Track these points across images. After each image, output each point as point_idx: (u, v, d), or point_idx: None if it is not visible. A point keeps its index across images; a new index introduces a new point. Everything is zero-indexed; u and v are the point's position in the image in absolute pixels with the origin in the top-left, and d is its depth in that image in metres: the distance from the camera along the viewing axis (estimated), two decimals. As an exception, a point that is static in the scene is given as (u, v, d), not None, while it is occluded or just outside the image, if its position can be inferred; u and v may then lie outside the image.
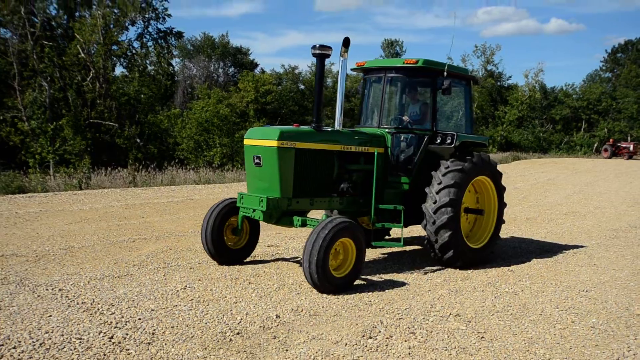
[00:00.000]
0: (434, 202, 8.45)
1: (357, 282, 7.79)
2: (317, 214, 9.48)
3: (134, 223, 11.65)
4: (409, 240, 10.69)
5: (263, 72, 55.18)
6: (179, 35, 41.32)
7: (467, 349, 5.41)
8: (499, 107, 59.30)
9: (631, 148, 51.42)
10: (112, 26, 31.96)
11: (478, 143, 9.47)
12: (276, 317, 6.14)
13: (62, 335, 5.33)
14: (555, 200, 19.38)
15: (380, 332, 5.78)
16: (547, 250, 10.53)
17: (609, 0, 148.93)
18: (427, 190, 8.60)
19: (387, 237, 10.43)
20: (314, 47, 7.74)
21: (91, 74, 31.02)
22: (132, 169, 20.02)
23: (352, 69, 9.79)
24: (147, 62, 38.57)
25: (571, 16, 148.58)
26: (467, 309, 6.67)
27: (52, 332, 5.41)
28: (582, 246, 10.95)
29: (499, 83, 61.88)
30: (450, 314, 6.43)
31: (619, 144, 53.04)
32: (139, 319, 5.90)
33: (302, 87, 54.75)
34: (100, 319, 5.83)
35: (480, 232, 9.47)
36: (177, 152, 37.34)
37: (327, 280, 6.98)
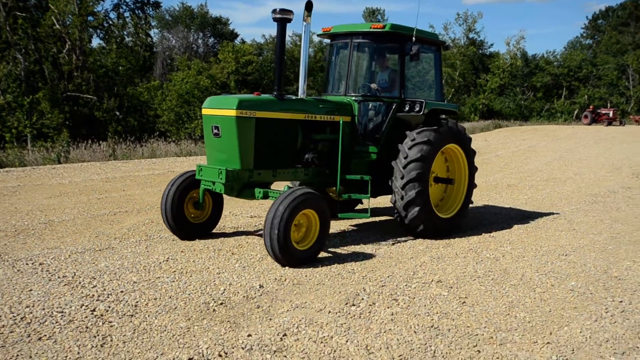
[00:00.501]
0: (402, 177, 8.24)
1: (339, 250, 7.83)
2: (282, 186, 9.38)
3: (115, 196, 11.54)
4: (378, 211, 10.68)
5: (243, 42, 54.52)
6: (157, 5, 40.56)
7: (449, 314, 5.47)
8: (480, 75, 59.33)
9: (611, 114, 51.95)
10: (87, -4, 31.23)
11: (447, 110, 9.27)
12: (259, 287, 6.15)
13: (44, 309, 5.29)
14: (536, 167, 19.57)
15: (363, 299, 5.82)
16: (528, 216, 10.65)
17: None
18: (393, 164, 8.39)
19: (358, 208, 10.25)
20: (274, 11, 7.43)
21: (67, 46, 30.38)
22: (112, 142, 19.78)
23: (317, 35, 9.55)
24: (125, 33, 37.84)
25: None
26: (449, 275, 6.73)
27: (33, 306, 5.36)
28: (561, 212, 11.08)
29: (480, 51, 61.83)
30: (432, 281, 6.49)
31: (598, 111, 53.54)
32: (121, 291, 5.88)
33: (285, 57, 54.20)
34: (82, 292, 5.79)
35: (451, 201, 9.32)
36: (157, 125, 36.92)
37: (289, 253, 6.80)
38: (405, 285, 6.31)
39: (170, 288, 6.04)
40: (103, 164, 16.81)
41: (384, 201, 11.31)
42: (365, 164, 8.75)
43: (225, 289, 6.06)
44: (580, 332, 5.07)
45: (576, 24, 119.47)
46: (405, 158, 8.23)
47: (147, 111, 36.92)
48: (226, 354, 4.53)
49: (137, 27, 38.13)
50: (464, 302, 5.79)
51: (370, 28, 8.70)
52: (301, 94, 8.18)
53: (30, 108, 27.79)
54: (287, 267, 6.93)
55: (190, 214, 8.20)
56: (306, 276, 6.62)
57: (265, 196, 7.58)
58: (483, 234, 9.03)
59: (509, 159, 22.36)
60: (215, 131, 7.50)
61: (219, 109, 7.47)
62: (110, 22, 35.80)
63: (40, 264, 6.74)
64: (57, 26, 29.77)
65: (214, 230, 8.62)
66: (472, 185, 9.35)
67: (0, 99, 27.62)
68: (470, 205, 10.47)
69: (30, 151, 18.99)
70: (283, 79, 7.97)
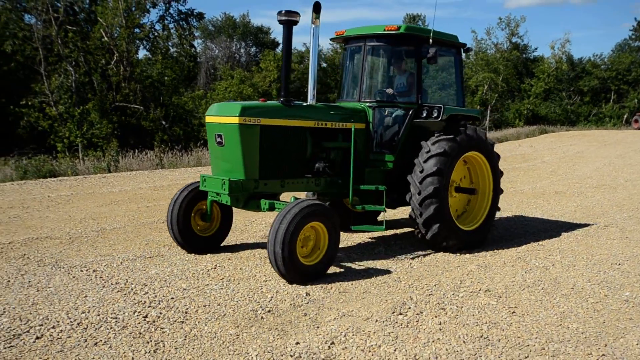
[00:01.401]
0: (421, 171, 7.81)
1: (384, 259, 7.81)
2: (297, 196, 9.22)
3: (163, 204, 11.79)
4: (403, 222, 10.24)
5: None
6: (200, 16, 41.29)
7: (498, 323, 5.40)
8: (525, 79, 58.23)
9: (662, 118, 50.20)
10: (133, 9, 32.05)
11: (468, 116, 8.83)
12: (306, 295, 6.20)
13: (99, 315, 5.45)
14: (585, 173, 19.09)
15: (410, 308, 5.79)
16: (578, 223, 10.40)
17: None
18: (409, 178, 7.97)
19: (378, 218, 9.73)
20: (279, 13, 7.11)
21: (115, 58, 31.17)
22: (158, 150, 20.21)
23: (331, 39, 9.20)
24: (170, 44, 38.66)
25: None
26: (497, 284, 6.64)
27: (88, 311, 5.54)
28: (613, 220, 10.78)
29: (524, 55, 60.70)
30: (480, 290, 6.41)
31: (649, 115, 51.80)
32: (172, 298, 6.01)
33: (325, 64, 54.42)
34: (134, 299, 5.94)
35: (475, 212, 8.82)
36: (202, 133, 37.51)
37: (295, 269, 6.43)
38: (453, 294, 6.26)
39: (218, 295, 6.14)
40: (151, 173, 17.21)
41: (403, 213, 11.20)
42: (380, 173, 8.32)
43: (272, 297, 6.12)
44: (637, 344, 4.93)
45: (623, 26, 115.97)
46: (421, 172, 7.83)
47: (192, 120, 37.60)
48: (275, 361, 4.58)
49: (181, 38, 38.91)
50: (514, 312, 5.70)
51: (384, 30, 8.28)
52: (310, 100, 7.82)
53: (81, 118, 28.63)
54: (332, 276, 6.96)
55: (198, 226, 7.90)
56: (352, 284, 6.63)
57: (272, 208, 7.20)
58: (531, 242, 8.86)
59: (556, 165, 21.88)
60: (219, 140, 7.19)
61: (222, 117, 7.13)
62: (156, 34, 36.62)
63: (94, 270, 6.95)
64: (106, 38, 30.62)
65: (253, 240, 8.71)
66: (497, 193, 8.86)
67: (52, 110, 28.56)
68: (499, 214, 10.19)
69: (81, 160, 19.57)
70: (289, 84, 7.65)
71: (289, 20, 7.16)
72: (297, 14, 7.16)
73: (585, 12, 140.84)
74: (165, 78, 34.66)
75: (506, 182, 16.36)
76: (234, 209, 8.05)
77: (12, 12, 31.88)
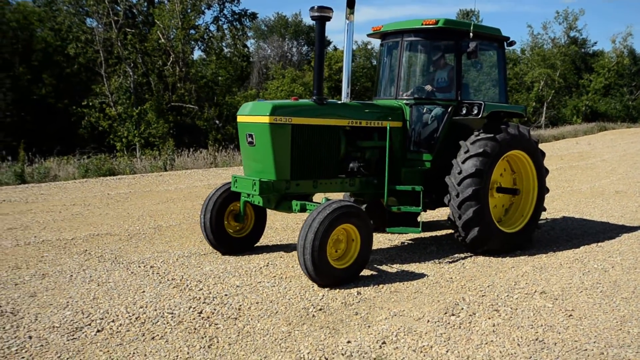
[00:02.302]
0: (459, 173, 7.54)
1: (436, 258, 7.74)
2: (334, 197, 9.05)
3: (217, 202, 12.01)
4: (437, 225, 9.99)
5: (335, 49, 54.99)
6: (253, 16, 41.73)
7: (555, 327, 5.27)
8: (583, 75, 56.39)
9: None
10: (189, 10, 32.74)
11: (511, 113, 8.55)
12: (357, 294, 6.21)
13: (156, 310, 5.62)
14: (647, 172, 18.36)
15: (462, 309, 5.73)
16: (639, 224, 10.02)
17: None
18: (447, 180, 7.72)
19: (418, 220, 9.17)
20: (312, 8, 6.91)
21: (171, 59, 31.95)
22: (212, 149, 20.60)
23: (368, 35, 8.95)
24: (224, 44, 39.32)
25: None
26: (553, 286, 6.48)
27: (146, 306, 5.72)
28: (678, 220, 10.34)
29: (583, 50, 58.79)
30: (535, 291, 6.27)
31: None
32: (226, 294, 6.13)
33: (375, 62, 54.21)
34: (190, 295, 6.10)
35: (518, 213, 8.45)
36: (254, 132, 37.96)
37: (325, 272, 6.27)
38: (507, 295, 6.15)
39: (271, 292, 6.23)
40: (205, 171, 17.57)
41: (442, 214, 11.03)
42: (418, 173, 8.02)
43: (323, 295, 6.17)
44: (702, 351, 4.73)
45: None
46: (460, 173, 7.55)
47: (245, 119, 38.09)
48: (327, 359, 4.62)
49: (234, 38, 39.49)
50: (571, 315, 5.55)
51: (422, 24, 8.01)
52: (344, 98, 7.64)
53: (139, 118, 29.51)
54: (384, 275, 6.95)
55: (231, 227, 7.85)
56: (403, 284, 6.60)
57: (303, 209, 7.04)
58: (590, 243, 8.59)
59: (616, 163, 21.12)
60: (250, 139, 7.06)
61: (253, 116, 7.00)
62: (210, 35, 37.28)
63: (151, 266, 7.17)
64: (162, 40, 31.43)
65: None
66: (543, 193, 8.46)
67: (112, 111, 29.54)
68: (544, 215, 9.81)
69: (139, 159, 20.16)
70: (323, 82, 7.44)
71: (321, 17, 7.01)
72: (330, 9, 7.01)
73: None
74: (219, 78, 35.32)
75: (563, 181, 15.94)
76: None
77: (76, 16, 33.08)
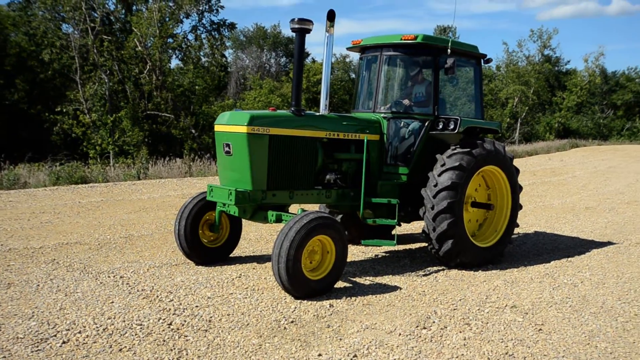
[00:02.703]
0: (435, 185, 7.60)
1: (409, 272, 7.76)
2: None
3: (190, 212, 11.90)
4: (411, 238, 9.98)
5: (314, 61, 55.25)
6: (232, 26, 41.75)
7: (524, 341, 5.31)
8: (556, 92, 57.45)
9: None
10: (167, 19, 32.64)
11: (487, 129, 8.63)
12: (330, 306, 6.18)
13: (124, 321, 5.52)
14: (617, 189, 18.70)
15: (434, 322, 5.73)
16: (608, 240, 10.18)
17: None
18: (423, 192, 7.78)
19: (393, 233, 9.30)
20: (292, 20, 6.95)
21: (148, 67, 31.77)
22: (188, 159, 20.45)
23: (347, 49, 9.00)
24: (201, 54, 39.22)
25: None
26: (523, 300, 6.53)
27: (114, 317, 5.61)
28: (645, 237, 10.53)
29: (556, 68, 59.93)
30: (506, 305, 6.32)
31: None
32: (196, 306, 6.05)
33: (353, 75, 54.56)
34: (160, 306, 6.00)
35: (492, 228, 8.50)
36: (230, 142, 37.81)
37: (299, 282, 6.23)
38: (478, 309, 6.18)
39: (242, 304, 6.17)
40: (179, 181, 17.42)
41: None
42: (394, 186, 8.07)
43: (296, 307, 6.13)
44: (667, 366, 4.80)
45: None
46: (435, 186, 7.61)
47: (221, 129, 37.95)
48: (297, 372, 4.58)
49: (213, 47, 39.41)
50: (540, 330, 5.59)
51: (401, 39, 8.06)
52: (323, 110, 7.66)
53: (113, 126, 29.23)
54: (356, 287, 6.93)
55: (206, 237, 7.80)
56: (376, 297, 6.59)
57: (279, 220, 6.99)
58: (560, 258, 8.70)
59: (587, 180, 21.49)
60: (227, 149, 7.03)
61: (231, 125, 6.98)
62: (188, 44, 37.16)
63: (121, 277, 7.05)
64: (140, 48, 31.24)
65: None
66: (516, 209, 8.54)
67: (86, 118, 29.19)
68: (528, 229, 9.97)
69: (112, 167, 19.92)
70: (301, 93, 7.50)
71: (302, 29, 7.03)
72: (310, 22, 7.04)
73: (620, 24, 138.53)
74: (196, 87, 35.18)
75: (535, 197, 16.15)
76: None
77: (51, 21, 32.72)
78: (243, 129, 6.82)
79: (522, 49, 56.46)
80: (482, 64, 8.97)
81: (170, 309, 5.91)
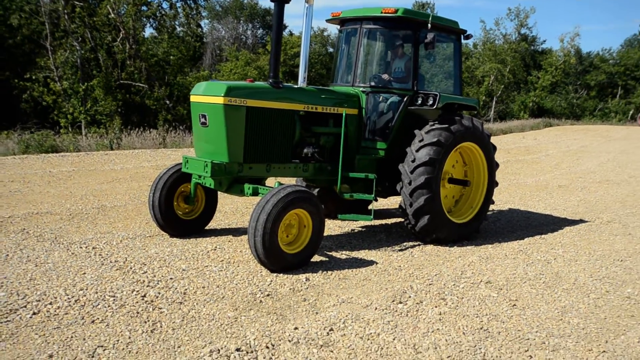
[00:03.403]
0: (413, 161, 7.59)
1: (385, 247, 7.77)
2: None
3: (165, 184, 11.73)
4: (387, 213, 9.99)
5: (291, 34, 54.62)
6: (208, -5, 41.00)
7: (499, 316, 5.36)
8: (532, 72, 57.88)
9: (668, 116, 49.98)
10: (141, -14, 31.82)
11: (465, 105, 8.61)
12: (306, 280, 6.16)
13: (96, 293, 5.42)
14: (588, 168, 18.99)
15: (410, 297, 5.75)
16: (580, 218, 10.33)
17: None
18: (400, 167, 7.75)
19: (369, 208, 9.28)
20: None
21: (121, 35, 30.98)
22: (162, 130, 20.12)
23: (327, 20, 8.84)
24: (176, 23, 38.41)
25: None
26: (498, 276, 6.59)
27: (86, 289, 5.50)
28: (616, 215, 10.70)
29: (532, 47, 60.26)
30: (481, 281, 6.37)
31: (655, 112, 51.57)
32: (171, 278, 5.97)
33: (331, 50, 54.14)
34: (133, 278, 5.91)
35: (467, 204, 8.56)
36: (205, 114, 37.31)
37: (276, 257, 6.21)
38: (453, 284, 6.21)
39: (218, 277, 6.10)
40: (153, 152, 17.14)
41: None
42: (371, 161, 8.05)
43: (272, 280, 6.09)
44: (638, 341, 4.88)
45: (634, 21, 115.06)
46: (413, 161, 7.60)
47: (196, 101, 37.43)
48: (273, 346, 4.55)
49: (188, 17, 38.61)
50: (515, 305, 5.65)
51: (381, 12, 7.94)
52: (301, 83, 7.52)
53: (85, 95, 28.54)
54: (333, 261, 6.92)
55: (181, 209, 7.66)
56: (352, 271, 6.59)
57: (255, 193, 6.94)
58: (534, 235, 8.80)
59: (560, 158, 21.77)
60: (203, 120, 6.88)
61: (207, 96, 6.82)
62: (163, 12, 36.32)
63: (93, 247, 6.92)
64: (112, 15, 30.42)
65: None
66: (492, 186, 8.58)
67: (57, 86, 28.45)
68: (502, 206, 10.06)
69: (84, 137, 19.51)
70: (280, 65, 7.32)
71: None
72: None
73: (595, 5, 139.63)
74: (171, 57, 34.50)
75: (510, 174, 16.31)
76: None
77: (19, -15, 31.63)
78: (219, 100, 6.67)
79: (500, 27, 56.57)
80: (462, 40, 8.89)
81: (144, 281, 5.82)
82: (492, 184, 8.61)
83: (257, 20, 56.95)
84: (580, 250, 7.94)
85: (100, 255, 6.64)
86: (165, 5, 36.57)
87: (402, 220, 9.30)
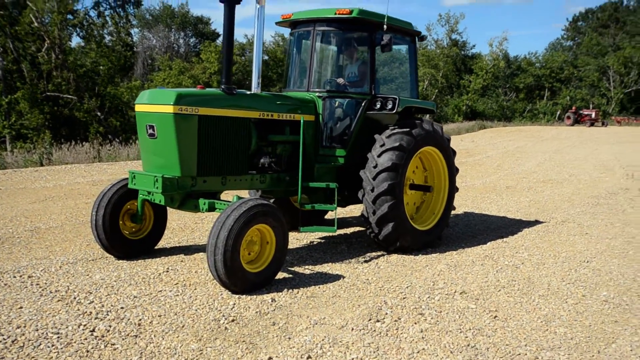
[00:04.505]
0: (374, 166, 7.25)
1: (348, 259, 7.37)
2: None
3: (103, 201, 10.92)
4: (350, 222, 9.64)
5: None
6: (138, 3, 39.71)
7: (483, 329, 5.04)
8: (463, 76, 59.34)
9: (593, 115, 52.35)
10: (67, -7, 30.37)
11: (424, 109, 8.38)
12: (272, 301, 5.67)
13: (37, 330, 4.75)
14: (529, 168, 19.33)
15: (386, 314, 5.36)
16: (535, 219, 10.29)
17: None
18: (362, 174, 7.40)
19: (326, 218, 8.91)
20: None
21: (46, 45, 29.47)
22: (96, 143, 19.07)
23: (276, 23, 8.40)
24: (105, 32, 37.00)
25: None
26: (470, 284, 6.31)
27: (24, 326, 4.82)
28: (568, 214, 10.75)
29: (463, 52, 61.85)
30: (455, 291, 6.06)
31: (581, 112, 53.90)
32: (122, 307, 5.35)
33: (266, 57, 53.67)
34: (78, 309, 5.25)
35: (429, 210, 8.28)
36: (139, 126, 36.05)
37: (238, 277, 5.70)
38: (428, 297, 5.88)
39: (174, 303, 5.53)
40: (88, 166, 16.15)
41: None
42: (331, 170, 7.70)
43: (234, 303, 5.57)
44: (631, 349, 4.67)
45: (555, 26, 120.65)
46: (375, 167, 7.27)
47: (129, 112, 36.11)
48: (248, 381, 4.05)
49: (117, 25, 37.29)
50: (496, 317, 5.36)
51: (335, 14, 7.57)
52: (255, 89, 7.07)
53: (9, 108, 26.91)
54: (297, 277, 6.46)
55: (127, 228, 7.04)
56: (319, 288, 6.15)
57: (211, 208, 6.43)
58: (495, 239, 8.63)
59: (500, 160, 22.12)
60: (151, 131, 6.29)
61: (154, 105, 6.25)
62: (90, 21, 34.90)
63: (29, 276, 6.17)
64: (36, 24, 28.90)
65: (205, 239, 8.07)
66: (453, 191, 8.37)
67: (-24, 99, 26.71)
68: (456, 210, 9.91)
69: (9, 153, 18.21)
70: (232, 70, 6.84)
71: None
72: None
73: (519, 11, 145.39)
74: (100, 67, 33.18)
75: (457, 177, 16.26)
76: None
77: None
78: (169, 109, 6.11)
79: (431, 32, 57.67)
80: (417, 41, 8.66)
81: (91, 313, 5.18)
82: (453, 189, 8.38)
83: (189, 29, 55.78)
84: (544, 252, 7.81)
85: (37, 284, 5.92)
86: (92, 13, 35.13)
87: (362, 229, 8.99)
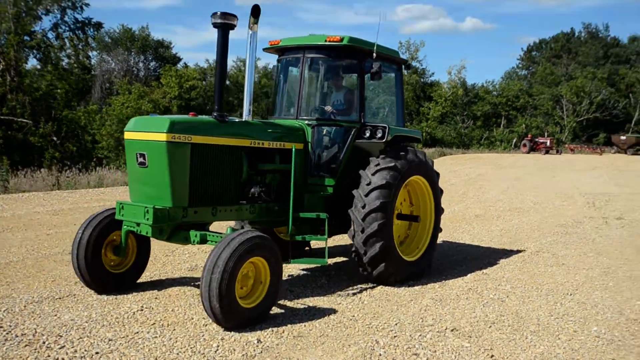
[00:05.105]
0: (363, 207, 7.13)
1: (330, 294, 7.12)
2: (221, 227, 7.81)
3: (66, 231, 10.41)
4: (337, 252, 9.50)
5: (186, 66, 53.39)
6: (98, 25, 39.07)
7: (481, 371, 4.86)
8: (423, 103, 60.28)
9: (548, 143, 53.68)
10: (24, 14, 29.58)
11: (412, 137, 8.30)
12: (257, 342, 5.37)
13: (4, 381, 4.34)
14: (494, 196, 19.49)
15: (380, 355, 5.13)
16: (510, 249, 10.27)
17: (521, 1, 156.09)
18: (354, 192, 7.30)
19: (307, 248, 8.67)
20: (214, 14, 6.19)
21: (1, 66, 28.59)
22: (55, 169, 18.37)
23: (264, 49, 8.22)
24: (63, 54, 36.16)
25: (485, 16, 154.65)
26: (460, 320, 6.14)
27: (-10, 377, 4.40)
28: (540, 244, 10.78)
29: (422, 80, 62.92)
30: (446, 328, 5.88)
31: (536, 140, 55.22)
32: (96, 352, 4.97)
33: (227, 82, 53.38)
34: (48, 356, 4.85)
35: (415, 243, 8.20)
36: (96, 151, 35.23)
37: (233, 314, 5.50)
38: (420, 335, 5.67)
39: (154, 346, 5.17)
40: (47, 194, 15.46)
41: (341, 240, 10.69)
42: (320, 199, 7.51)
43: (218, 346, 5.25)
44: (635, 391, 4.56)
45: (511, 55, 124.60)
46: (368, 185, 7.18)
47: (85, 136, 35.21)
48: None
49: (76, 48, 36.51)
50: (492, 356, 5.19)
51: (326, 41, 7.55)
52: (246, 116, 6.95)
53: (-41, 132, 25.87)
54: (280, 316, 6.17)
55: (109, 261, 6.72)
56: (305, 326, 5.88)
57: (203, 240, 6.22)
58: (474, 270, 8.53)
59: (464, 187, 22.28)
60: (141, 160, 6.12)
61: (146, 133, 6.09)
62: (48, 43, 34.05)
63: (-9, 318, 5.71)
64: (-9, 45, 28.06)
65: (179, 273, 7.72)
66: (439, 218, 8.35)
67: None
68: (440, 242, 9.88)
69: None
70: (224, 97, 6.75)
71: (224, 24, 6.27)
72: (234, 16, 6.29)
73: (475, 41, 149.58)
74: (58, 90, 32.34)
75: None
76: (152, 239, 6.89)
77: None
78: (162, 137, 5.93)
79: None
80: (403, 69, 8.67)
81: (63, 359, 4.78)
82: (439, 216, 8.38)
83: (149, 52, 55.13)
84: (526, 285, 7.73)
85: (1, 327, 5.47)
86: (50, 35, 34.34)
87: (340, 260, 8.79)
